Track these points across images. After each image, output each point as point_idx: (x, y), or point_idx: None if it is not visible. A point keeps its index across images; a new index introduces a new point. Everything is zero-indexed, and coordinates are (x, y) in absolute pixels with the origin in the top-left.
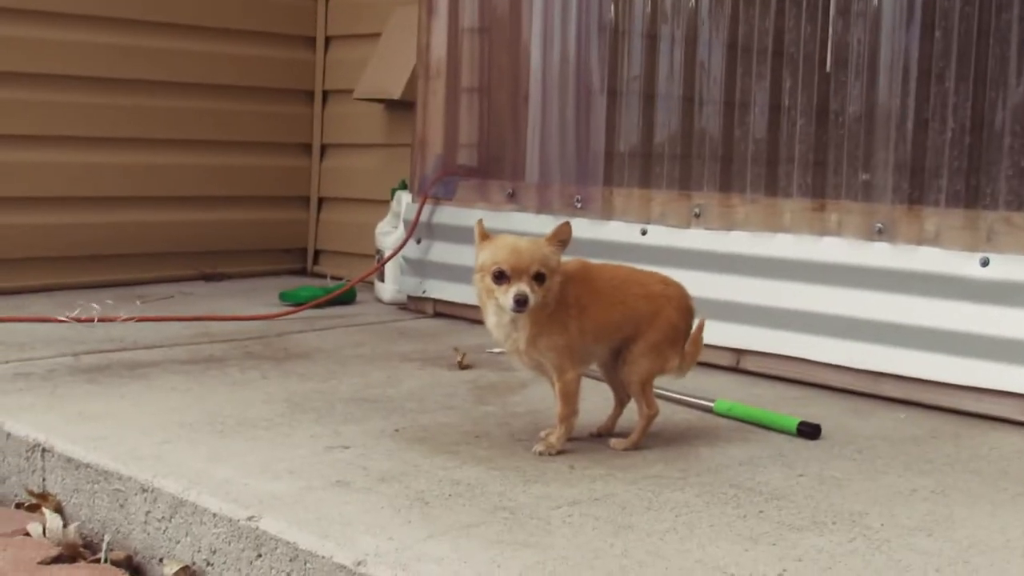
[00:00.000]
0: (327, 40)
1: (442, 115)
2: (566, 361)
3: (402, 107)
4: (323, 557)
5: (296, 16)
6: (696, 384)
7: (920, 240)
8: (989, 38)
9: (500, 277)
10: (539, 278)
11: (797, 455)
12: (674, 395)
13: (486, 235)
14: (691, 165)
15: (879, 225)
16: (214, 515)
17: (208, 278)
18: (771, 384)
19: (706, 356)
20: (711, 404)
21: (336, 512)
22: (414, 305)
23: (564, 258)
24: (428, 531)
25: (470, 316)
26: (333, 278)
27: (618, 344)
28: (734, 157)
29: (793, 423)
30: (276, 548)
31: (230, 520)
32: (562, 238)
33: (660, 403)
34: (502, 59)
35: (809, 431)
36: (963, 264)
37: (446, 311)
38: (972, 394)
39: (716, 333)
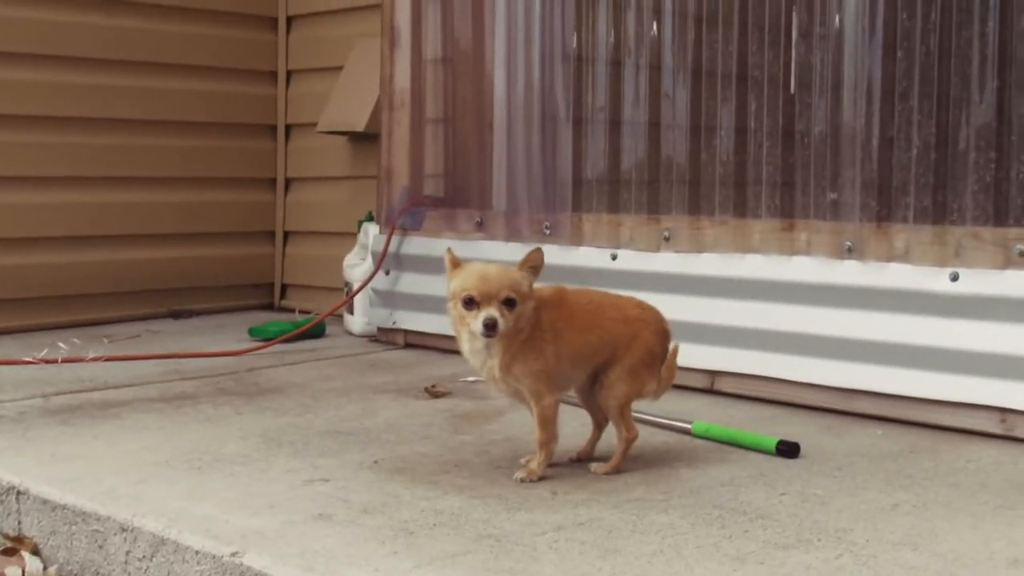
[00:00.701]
0: (288, 74)
1: (407, 146)
2: (543, 386)
3: (366, 139)
4: None
5: (257, 51)
6: (671, 406)
7: (890, 257)
8: (951, 56)
9: (470, 303)
10: (509, 303)
11: (778, 474)
12: (651, 418)
13: (457, 263)
14: (659, 189)
15: (848, 243)
16: (196, 552)
17: (176, 315)
18: (745, 404)
19: (680, 378)
20: (688, 426)
21: (319, 545)
22: (384, 336)
23: (539, 284)
24: (414, 561)
25: (441, 346)
26: (302, 312)
27: (595, 369)
28: (702, 180)
29: (772, 442)
30: None
31: (213, 557)
32: (534, 264)
33: (638, 426)
34: (466, 89)
35: (788, 450)
36: (933, 279)
37: (417, 342)
38: (947, 408)
39: (689, 355)
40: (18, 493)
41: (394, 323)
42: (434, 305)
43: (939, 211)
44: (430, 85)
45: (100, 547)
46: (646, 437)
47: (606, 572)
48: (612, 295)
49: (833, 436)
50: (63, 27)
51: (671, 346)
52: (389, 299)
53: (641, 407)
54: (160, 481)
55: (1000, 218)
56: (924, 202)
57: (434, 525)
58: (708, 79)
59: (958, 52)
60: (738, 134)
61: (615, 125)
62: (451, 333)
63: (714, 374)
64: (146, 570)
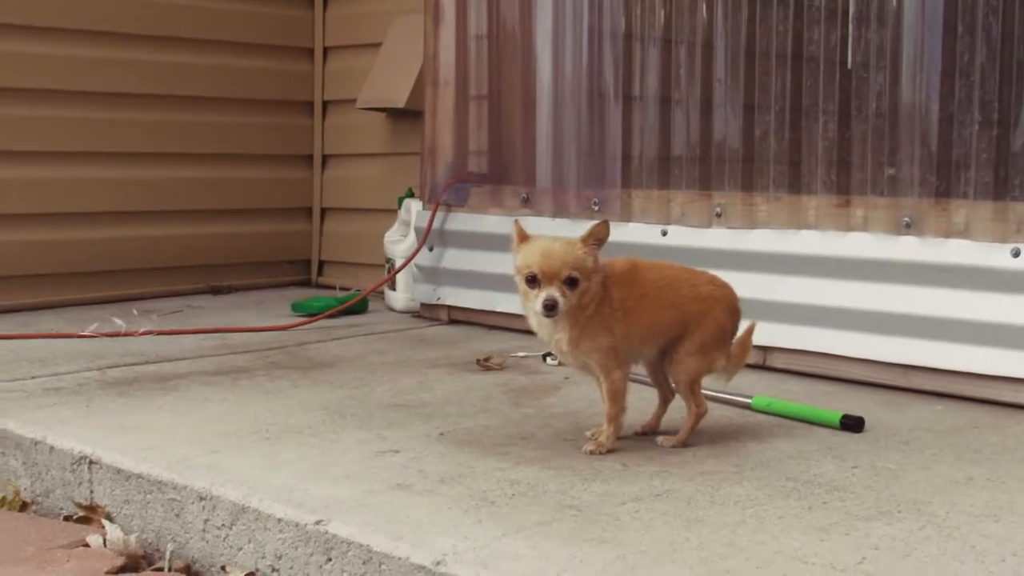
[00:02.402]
0: (325, 51)
1: (451, 122)
2: (611, 361)
3: (404, 115)
4: (399, 558)
5: (294, 28)
6: (729, 383)
7: (949, 232)
8: (1013, 31)
9: (532, 281)
10: (571, 282)
11: (845, 448)
12: (711, 393)
13: (524, 236)
14: (711, 165)
15: (906, 219)
16: (279, 520)
17: (215, 291)
18: (799, 380)
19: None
20: (749, 400)
21: (404, 514)
22: (428, 312)
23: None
24: (501, 530)
25: (487, 322)
26: (342, 288)
27: (666, 344)
28: (756, 156)
29: (836, 417)
30: (348, 551)
31: (297, 524)
32: (599, 237)
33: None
34: (512, 66)
35: (853, 424)
36: (993, 255)
37: (461, 317)
38: (1007, 384)
39: (741, 331)
40: (90, 463)
41: (438, 299)
42: (479, 281)
43: (1000, 186)
44: (474, 62)
45: (177, 515)
46: (709, 412)
47: (693, 542)
48: (686, 270)
49: (893, 411)
50: (106, 4)
51: (748, 324)
52: (433, 275)
53: (704, 383)
54: (233, 451)
55: None
56: (985, 177)
57: (513, 495)
58: (762, 57)
59: (1021, 26)
60: (793, 111)
61: (665, 103)
62: (496, 309)
63: (767, 350)
64: (226, 537)
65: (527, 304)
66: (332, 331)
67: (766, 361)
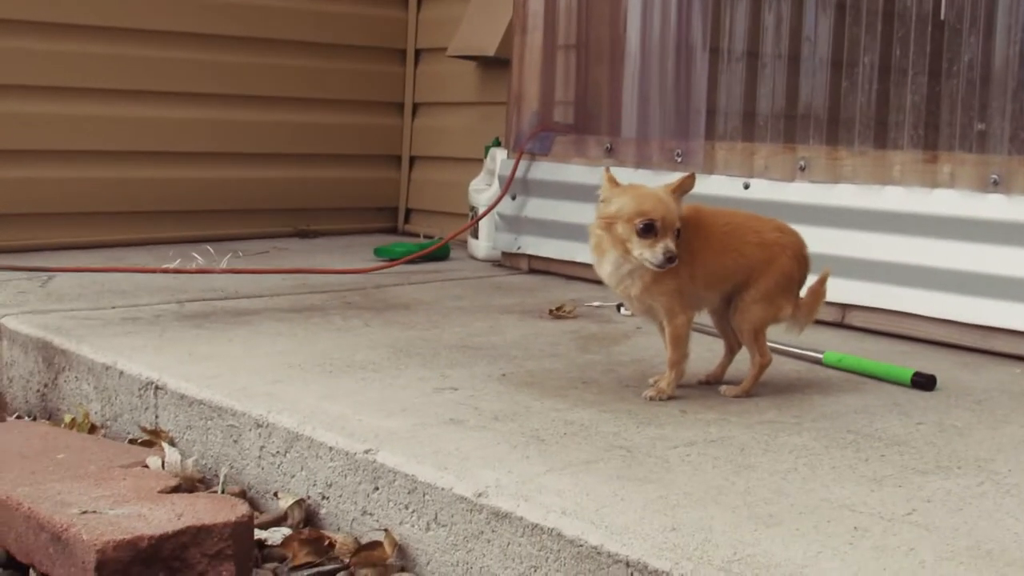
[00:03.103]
0: None
1: (538, 70)
2: (676, 305)
3: (495, 64)
4: (443, 489)
5: None
6: (800, 339)
7: None
8: None
9: (648, 230)
10: (678, 234)
11: (913, 405)
12: (782, 347)
13: (616, 183)
14: (796, 118)
15: (994, 176)
16: (330, 449)
17: (303, 235)
18: (877, 339)
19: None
20: (820, 356)
21: (453, 447)
22: (508, 261)
23: None
24: (547, 466)
25: (565, 272)
26: (426, 236)
27: (730, 291)
28: (842, 109)
29: (907, 374)
30: (394, 481)
31: (346, 454)
32: (686, 189)
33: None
34: (600, 13)
35: (923, 382)
36: None
37: (541, 267)
38: None
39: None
40: (156, 388)
41: (519, 248)
42: (560, 231)
43: None
44: (563, 9)
45: (235, 441)
46: (777, 365)
47: (740, 486)
48: (752, 216)
49: (970, 372)
50: None
51: (822, 273)
52: (515, 224)
53: (774, 336)
54: (294, 382)
55: None
56: None
57: (564, 434)
58: (852, 10)
59: None
60: (882, 64)
61: (752, 56)
62: (575, 259)
63: (845, 307)
64: (279, 465)
65: (612, 250)
66: (411, 276)
67: (844, 319)
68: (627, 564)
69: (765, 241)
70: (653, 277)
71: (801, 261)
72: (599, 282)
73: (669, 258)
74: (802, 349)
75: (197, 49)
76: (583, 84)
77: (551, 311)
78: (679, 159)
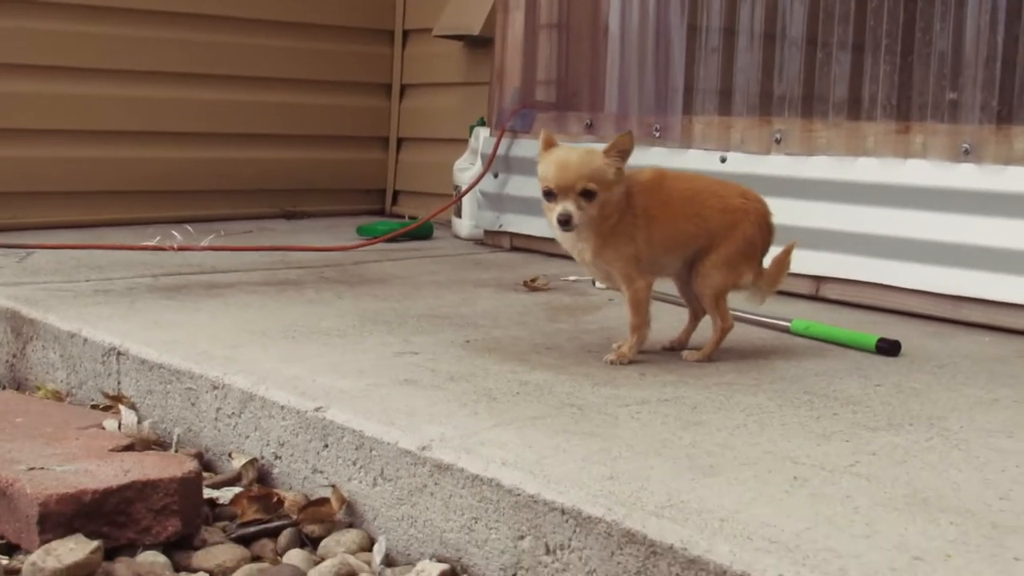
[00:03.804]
0: None
1: (520, 47)
2: (633, 270)
3: (482, 44)
4: (388, 443)
5: None
6: (774, 311)
7: (1009, 159)
8: None
9: (548, 195)
10: (587, 194)
11: (875, 369)
12: (751, 316)
13: (550, 144)
14: (772, 90)
15: (966, 145)
16: (282, 407)
17: (289, 216)
18: (851, 311)
19: (785, 284)
20: (788, 324)
21: (402, 404)
22: (491, 240)
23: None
24: (494, 421)
25: (546, 249)
26: (411, 218)
27: (692, 256)
28: (816, 82)
29: (872, 340)
30: (343, 437)
31: (298, 412)
32: (621, 149)
33: (737, 325)
34: None
35: (888, 347)
36: None
37: (523, 245)
38: None
39: (796, 261)
40: (118, 354)
41: (500, 226)
42: (541, 208)
43: None
44: None
45: (193, 404)
46: (744, 334)
47: (685, 440)
48: (716, 182)
49: (938, 340)
50: None
51: (788, 244)
52: (497, 202)
53: (744, 306)
54: (254, 346)
55: None
56: None
57: (517, 394)
58: None
59: None
60: (855, 35)
61: (729, 32)
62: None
63: (820, 280)
64: (235, 426)
65: (548, 217)
66: (391, 253)
67: (819, 291)
68: (562, 511)
69: (729, 207)
70: (602, 242)
71: (764, 228)
72: None
73: (562, 221)
74: (771, 318)
75: (184, 29)
76: (564, 62)
77: (525, 283)
78: (657, 134)
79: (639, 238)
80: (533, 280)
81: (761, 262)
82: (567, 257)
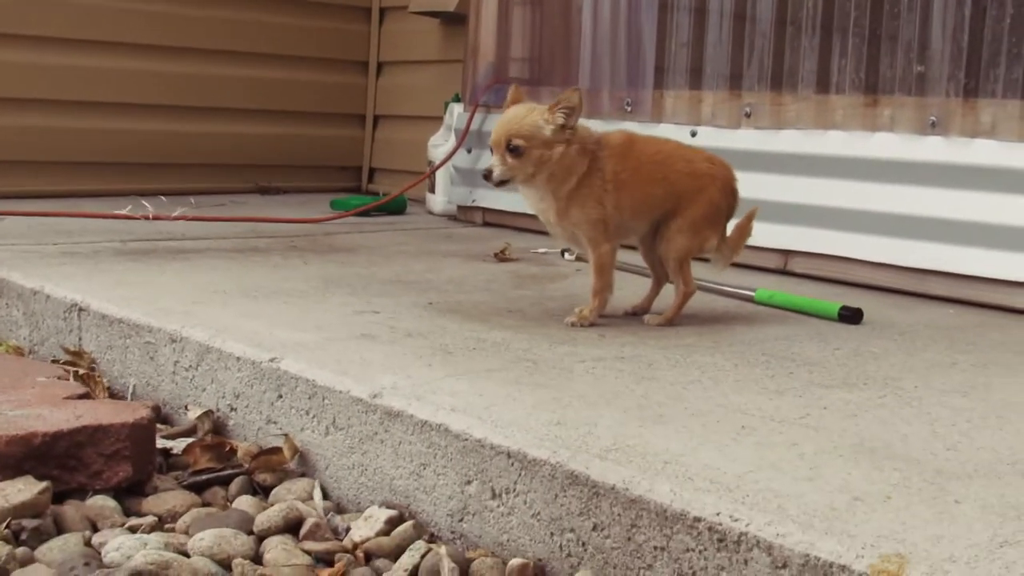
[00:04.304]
0: None
1: (494, 23)
2: (599, 234)
3: (458, 22)
4: (340, 392)
5: None
6: (741, 283)
7: (975, 132)
8: None
9: (491, 151)
10: (514, 150)
11: (835, 335)
12: (715, 285)
13: (516, 101)
14: (742, 64)
15: (932, 118)
16: (238, 359)
17: (263, 191)
18: (818, 285)
19: (753, 258)
20: (752, 294)
21: (357, 356)
22: (464, 215)
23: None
24: (447, 372)
25: (518, 224)
26: (386, 195)
27: (658, 220)
28: (786, 55)
29: (834, 308)
30: (296, 387)
31: (253, 363)
32: (566, 105)
33: (701, 295)
34: None
35: (850, 315)
36: (1020, 156)
37: (495, 220)
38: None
39: (764, 234)
40: (80, 310)
41: (473, 201)
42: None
43: None
44: None
45: (151, 358)
46: (708, 302)
47: (637, 392)
48: (683, 147)
49: (902, 311)
50: None
51: (749, 210)
52: (470, 177)
53: (708, 275)
54: (214, 304)
55: None
56: (1014, 74)
57: (474, 349)
58: None
59: None
60: (825, 6)
61: (700, 8)
62: (528, 211)
63: (787, 254)
64: (192, 379)
65: None
66: (363, 226)
67: (787, 265)
68: (508, 455)
69: (695, 171)
70: (565, 204)
71: (729, 193)
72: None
73: (484, 176)
74: (735, 287)
75: (164, 2)
76: (538, 38)
77: (495, 254)
78: (628, 108)
79: (608, 202)
80: (502, 251)
81: (725, 228)
82: (540, 232)
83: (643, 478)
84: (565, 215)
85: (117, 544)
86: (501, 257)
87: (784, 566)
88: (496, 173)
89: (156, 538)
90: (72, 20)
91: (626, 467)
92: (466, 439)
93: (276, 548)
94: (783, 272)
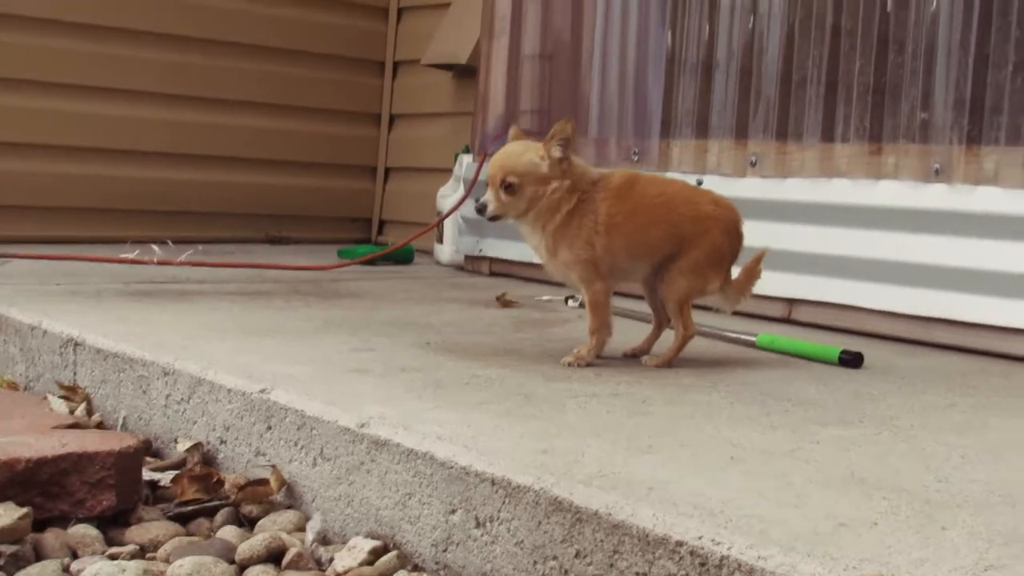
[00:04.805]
0: (400, 11)
1: (504, 73)
2: (591, 274)
3: (470, 74)
4: (328, 422)
5: None
6: (744, 330)
7: (978, 180)
8: None
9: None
10: (508, 187)
11: (835, 377)
12: (716, 330)
13: (516, 139)
14: (747, 114)
15: (936, 166)
16: (229, 391)
17: (273, 241)
18: (821, 333)
19: (757, 306)
20: (753, 339)
21: (348, 389)
22: (470, 265)
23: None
24: (437, 404)
25: (526, 274)
26: (394, 244)
27: (660, 262)
28: (791, 104)
29: (835, 352)
30: (285, 418)
31: (243, 394)
32: (560, 137)
33: (703, 340)
34: (564, 21)
35: (851, 359)
36: (1022, 203)
37: (502, 270)
38: None
39: (768, 283)
40: (75, 345)
41: (480, 251)
42: (520, 232)
43: None
44: (530, 12)
45: (144, 392)
46: (709, 347)
47: (628, 426)
48: (689, 188)
49: (905, 358)
50: None
51: (757, 252)
52: (477, 227)
53: (710, 320)
54: (211, 339)
55: None
56: (1017, 121)
57: (467, 384)
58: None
59: None
60: (830, 57)
61: (707, 60)
62: (535, 261)
63: (792, 302)
64: (183, 412)
65: None
66: (369, 274)
67: (791, 314)
68: (492, 482)
69: (699, 213)
70: (554, 241)
71: (734, 236)
72: (559, 284)
73: (478, 210)
74: (737, 332)
75: (177, 51)
76: (547, 90)
77: (497, 298)
78: (636, 157)
79: (598, 243)
80: (504, 295)
81: (729, 270)
82: (545, 281)
83: (626, 503)
84: (555, 254)
85: (95, 571)
86: (504, 302)
87: None
88: (490, 209)
89: (135, 565)
90: (86, 67)
91: (610, 493)
92: (451, 466)
93: None
94: (787, 321)
